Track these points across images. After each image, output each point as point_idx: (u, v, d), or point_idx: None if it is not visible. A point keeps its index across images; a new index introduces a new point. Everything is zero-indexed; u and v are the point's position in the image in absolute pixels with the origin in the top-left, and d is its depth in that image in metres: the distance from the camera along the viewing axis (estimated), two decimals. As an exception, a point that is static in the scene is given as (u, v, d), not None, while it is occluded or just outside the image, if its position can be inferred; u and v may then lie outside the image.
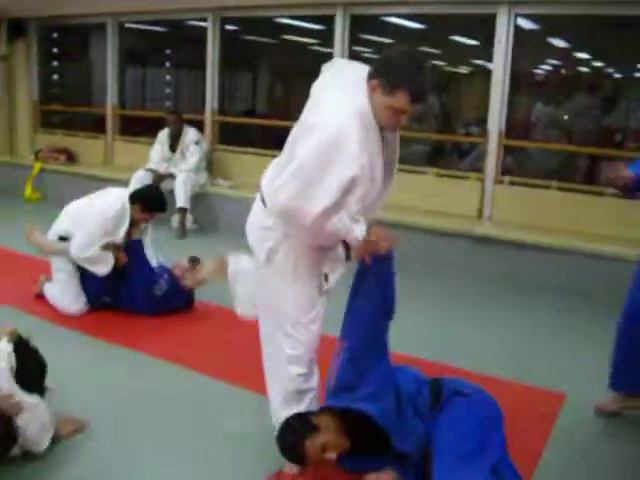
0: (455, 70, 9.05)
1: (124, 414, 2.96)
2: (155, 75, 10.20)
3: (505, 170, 5.87)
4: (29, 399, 2.48)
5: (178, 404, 3.10)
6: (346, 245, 2.48)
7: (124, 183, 5.83)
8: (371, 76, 2.27)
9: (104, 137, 8.18)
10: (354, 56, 6.26)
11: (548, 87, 7.50)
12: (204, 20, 7.23)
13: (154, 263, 4.35)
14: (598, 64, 7.70)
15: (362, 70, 2.35)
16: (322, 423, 2.40)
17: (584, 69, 7.87)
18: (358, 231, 2.29)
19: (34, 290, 4.38)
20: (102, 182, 5.94)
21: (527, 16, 5.73)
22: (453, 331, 4.20)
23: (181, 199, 6.44)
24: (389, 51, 2.31)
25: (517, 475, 2.40)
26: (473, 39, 7.46)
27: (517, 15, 5.55)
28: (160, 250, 4.54)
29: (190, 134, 6.77)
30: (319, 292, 2.54)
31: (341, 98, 2.29)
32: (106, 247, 4.05)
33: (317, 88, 2.46)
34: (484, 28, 5.80)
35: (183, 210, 6.46)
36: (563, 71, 8.01)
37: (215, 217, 6.79)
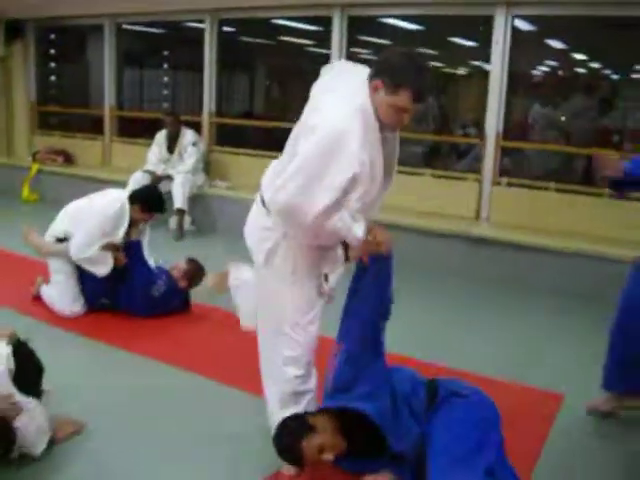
0: (453, 71, 9.05)
1: (122, 416, 2.96)
2: (152, 76, 10.19)
3: (503, 171, 5.88)
4: (27, 401, 2.48)
5: (176, 406, 3.09)
6: (345, 246, 2.48)
7: (122, 184, 5.83)
8: (373, 76, 2.29)
9: (102, 138, 8.17)
10: (351, 57, 6.26)
11: (545, 88, 7.50)
12: (201, 22, 7.23)
13: (151, 264, 4.35)
14: (595, 65, 7.70)
15: (362, 71, 2.38)
16: (319, 424, 2.40)
17: (581, 70, 7.88)
18: (358, 230, 2.30)
19: (31, 291, 4.37)
20: (100, 183, 5.95)
21: (524, 17, 5.73)
22: (451, 332, 4.20)
23: (179, 200, 6.43)
24: (391, 52, 2.35)
25: (516, 477, 2.40)
26: (471, 40, 7.47)
27: (514, 16, 5.56)
28: (158, 252, 4.53)
29: (188, 136, 6.76)
30: (318, 293, 2.54)
31: (342, 98, 2.30)
32: (105, 248, 4.05)
33: (317, 89, 2.47)
34: (482, 29, 5.81)
35: (181, 211, 6.46)
36: (560, 72, 8.01)
37: (213, 218, 6.79)
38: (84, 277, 4.16)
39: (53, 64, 9.27)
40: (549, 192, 5.56)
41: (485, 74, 5.83)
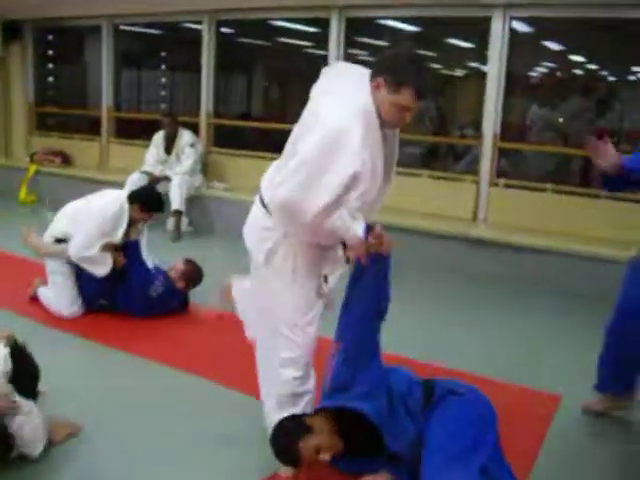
0: (450, 73, 9.06)
1: (119, 417, 2.95)
2: (150, 77, 10.19)
3: (500, 172, 5.89)
4: (24, 403, 2.47)
5: (173, 407, 3.09)
6: (345, 246, 2.48)
7: (119, 185, 5.81)
8: (375, 74, 2.31)
9: (99, 139, 8.17)
10: (349, 59, 6.27)
11: (543, 90, 7.52)
12: (199, 23, 7.23)
13: (150, 264, 4.35)
14: (592, 67, 7.72)
15: (362, 72, 2.39)
16: (316, 424, 2.40)
17: (578, 71, 7.90)
18: (358, 229, 2.30)
19: (29, 293, 4.37)
20: (97, 185, 5.94)
21: (522, 19, 5.74)
22: (448, 333, 4.20)
23: (176, 202, 6.43)
24: (393, 51, 2.40)
25: (512, 476, 2.41)
26: (468, 42, 7.48)
27: (512, 18, 5.57)
28: (155, 253, 4.53)
29: (185, 137, 6.76)
30: (317, 294, 2.54)
31: (342, 99, 2.31)
32: (104, 248, 4.05)
33: (317, 91, 2.48)
34: (479, 31, 5.82)
35: (178, 213, 6.46)
36: (558, 74, 8.03)
37: (210, 220, 6.79)
38: (82, 278, 4.16)
39: (51, 65, 9.26)
40: (547, 193, 5.57)
41: (482, 76, 5.84)
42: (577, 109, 6.35)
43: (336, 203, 2.22)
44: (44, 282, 4.29)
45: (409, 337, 3.90)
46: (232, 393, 3.22)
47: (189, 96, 8.99)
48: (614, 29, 5.65)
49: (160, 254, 4.65)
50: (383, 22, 6.76)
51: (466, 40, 7.47)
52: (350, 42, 6.51)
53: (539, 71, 7.91)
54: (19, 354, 2.61)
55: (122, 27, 8.06)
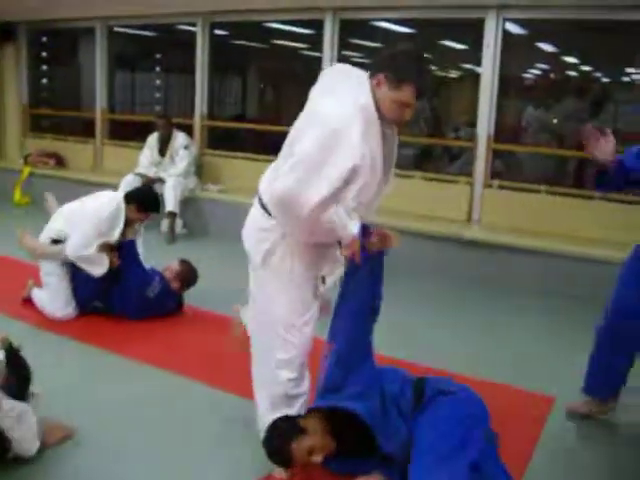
0: (444, 74, 9.07)
1: (113, 420, 2.94)
2: (144, 79, 10.16)
3: (494, 174, 5.90)
4: (17, 405, 2.47)
5: (167, 409, 3.09)
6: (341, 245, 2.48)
7: (113, 187, 5.80)
8: (376, 71, 2.33)
9: (93, 141, 8.16)
10: (343, 60, 6.22)
11: (537, 91, 7.53)
12: (194, 25, 7.23)
13: (146, 265, 4.34)
14: (586, 68, 7.73)
15: (360, 73, 2.41)
16: (309, 426, 2.41)
17: (572, 73, 7.91)
18: (353, 228, 2.31)
19: (22, 295, 4.35)
20: (91, 186, 5.92)
21: (515, 21, 5.76)
22: (442, 335, 4.20)
23: (170, 203, 6.42)
24: (393, 48, 2.40)
25: (506, 474, 2.41)
26: (462, 43, 7.49)
27: (505, 20, 5.59)
28: (150, 255, 4.52)
29: (179, 138, 6.76)
30: (314, 295, 2.55)
31: (342, 98, 2.32)
32: (101, 248, 4.04)
33: (316, 92, 2.49)
34: (473, 33, 5.83)
35: (173, 214, 6.45)
36: (552, 75, 8.04)
37: (205, 222, 6.78)
38: (76, 280, 4.15)
39: (45, 67, 9.24)
40: (541, 194, 5.58)
41: (477, 77, 5.85)
42: (571, 110, 6.37)
43: (334, 197, 2.23)
44: (38, 284, 4.28)
45: (401, 338, 3.90)
46: (226, 395, 3.21)
47: (183, 98, 8.99)
48: (607, 31, 5.67)
49: (155, 256, 4.64)
50: (377, 24, 6.77)
51: (460, 42, 7.48)
52: (344, 44, 6.53)
53: (533, 72, 7.92)
54: (13, 357, 2.60)
55: (116, 29, 8.05)
